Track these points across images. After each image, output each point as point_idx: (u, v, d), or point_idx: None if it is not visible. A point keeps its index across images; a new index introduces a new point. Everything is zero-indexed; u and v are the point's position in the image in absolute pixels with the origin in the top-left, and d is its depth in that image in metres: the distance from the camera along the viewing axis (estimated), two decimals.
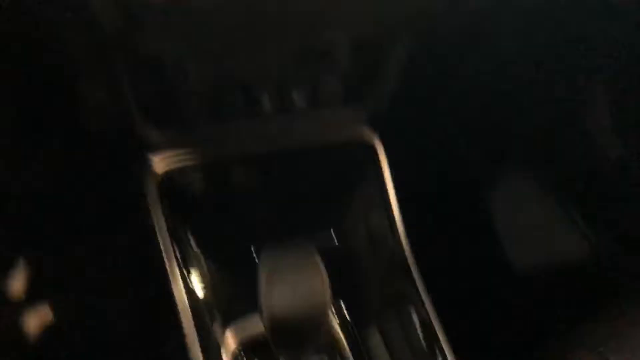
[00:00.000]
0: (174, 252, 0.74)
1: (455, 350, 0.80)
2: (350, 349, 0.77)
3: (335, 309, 0.77)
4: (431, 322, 0.80)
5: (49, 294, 0.93)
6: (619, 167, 1.11)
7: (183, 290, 0.73)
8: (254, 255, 0.77)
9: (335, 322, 0.76)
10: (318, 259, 0.53)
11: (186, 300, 0.73)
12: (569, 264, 1.15)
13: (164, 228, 0.74)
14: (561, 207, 1.20)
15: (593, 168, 1.14)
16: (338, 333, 0.75)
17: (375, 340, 0.82)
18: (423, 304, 0.81)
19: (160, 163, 0.74)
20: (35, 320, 0.91)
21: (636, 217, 1.06)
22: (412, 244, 0.87)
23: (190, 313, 0.72)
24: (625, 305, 0.74)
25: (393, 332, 0.84)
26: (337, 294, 0.77)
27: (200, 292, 0.76)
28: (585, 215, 1.14)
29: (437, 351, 0.77)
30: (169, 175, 0.75)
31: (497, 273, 1.20)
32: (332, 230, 0.79)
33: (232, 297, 0.78)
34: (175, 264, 0.74)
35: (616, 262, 1.09)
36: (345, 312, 0.78)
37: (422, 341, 0.80)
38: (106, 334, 0.93)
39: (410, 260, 0.85)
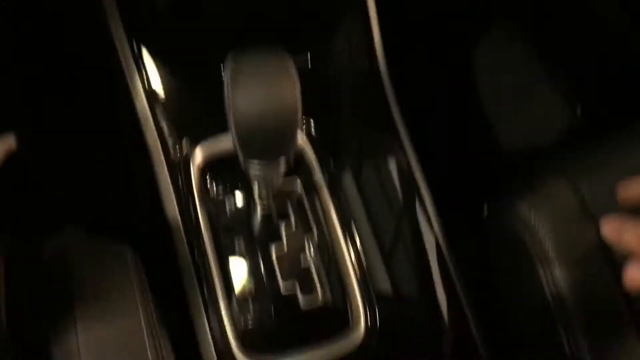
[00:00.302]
0: (136, 67, 0.69)
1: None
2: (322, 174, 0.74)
3: (305, 130, 0.73)
4: (412, 172, 0.76)
5: (15, 124, 0.89)
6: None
7: (147, 108, 0.69)
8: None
9: (306, 143, 0.73)
10: (290, 61, 0.48)
11: (150, 118, 0.69)
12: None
13: (125, 41, 0.68)
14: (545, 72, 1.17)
15: (586, 36, 1.10)
16: (309, 155, 0.72)
17: (348, 181, 0.80)
18: (405, 153, 0.77)
19: None
20: None
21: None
22: (394, 85, 0.82)
23: (155, 132, 0.69)
24: (604, 142, 0.73)
25: (367, 176, 0.81)
26: (308, 114, 0.73)
27: (166, 111, 0.72)
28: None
29: (417, 203, 0.75)
30: None
31: (478, 128, 1.19)
32: (309, 55, 0.73)
33: (201, 116, 0.74)
34: (137, 78, 0.69)
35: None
36: (313, 132, 0.73)
37: (400, 192, 0.78)
38: (69, 169, 0.92)
39: (392, 100, 0.81)
